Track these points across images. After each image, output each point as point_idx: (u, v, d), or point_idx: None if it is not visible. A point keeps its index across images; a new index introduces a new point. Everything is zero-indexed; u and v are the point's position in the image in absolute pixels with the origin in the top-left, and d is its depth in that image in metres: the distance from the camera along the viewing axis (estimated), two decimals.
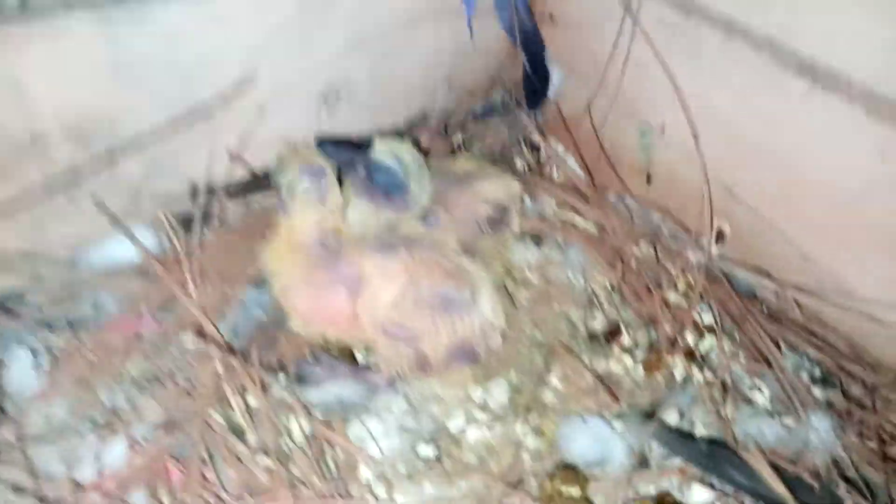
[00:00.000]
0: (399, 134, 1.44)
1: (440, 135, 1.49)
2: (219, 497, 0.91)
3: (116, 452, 0.90)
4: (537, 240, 1.42)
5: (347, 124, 1.36)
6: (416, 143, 1.33)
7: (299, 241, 1.04)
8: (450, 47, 1.43)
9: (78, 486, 0.87)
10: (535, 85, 1.53)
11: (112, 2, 0.98)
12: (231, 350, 1.05)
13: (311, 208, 1.03)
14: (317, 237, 1.03)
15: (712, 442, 1.02)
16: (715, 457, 0.98)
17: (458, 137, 1.52)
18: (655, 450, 1.04)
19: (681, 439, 1.01)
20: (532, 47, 1.48)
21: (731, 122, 1.24)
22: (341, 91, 1.31)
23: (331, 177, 1.05)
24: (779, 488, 0.93)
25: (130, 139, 1.10)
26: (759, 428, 1.07)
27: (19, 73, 0.96)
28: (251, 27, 1.13)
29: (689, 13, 1.23)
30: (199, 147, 1.16)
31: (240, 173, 1.25)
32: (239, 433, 0.99)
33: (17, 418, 0.91)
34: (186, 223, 1.20)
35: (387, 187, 1.09)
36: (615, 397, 1.11)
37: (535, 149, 1.56)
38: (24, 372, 0.97)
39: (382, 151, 1.12)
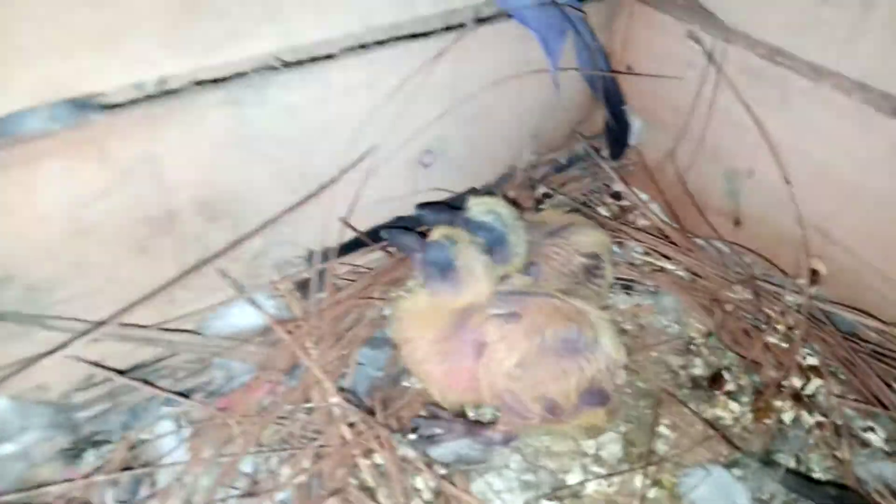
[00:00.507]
0: (489, 192, 1.49)
1: (526, 188, 1.53)
2: None
3: None
4: (628, 287, 1.45)
5: (441, 182, 1.42)
6: (506, 199, 1.38)
7: (439, 311, 1.07)
8: (534, 103, 1.48)
9: None
10: (617, 134, 1.56)
11: (238, 82, 1.05)
12: (357, 409, 1.08)
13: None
14: (469, 308, 1.07)
15: (839, 486, 1.03)
16: (844, 501, 0.98)
17: (542, 189, 1.55)
18: (778, 497, 1.05)
19: (809, 485, 1.01)
20: (612, 98, 1.52)
21: (823, 165, 1.26)
22: (436, 153, 1.36)
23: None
24: None
25: (254, 212, 1.16)
26: (879, 469, 1.08)
27: (157, 151, 1.02)
28: (360, 102, 1.19)
29: (775, 59, 1.27)
30: (313, 215, 1.22)
31: (348, 236, 1.30)
32: (371, 494, 1.02)
33: (170, 491, 0.95)
34: (302, 288, 1.25)
35: (489, 243, 1.13)
36: (734, 445, 1.12)
37: (617, 197, 1.59)
38: (169, 443, 1.02)
39: (479, 209, 1.16)
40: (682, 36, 1.39)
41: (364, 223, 1.33)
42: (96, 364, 1.06)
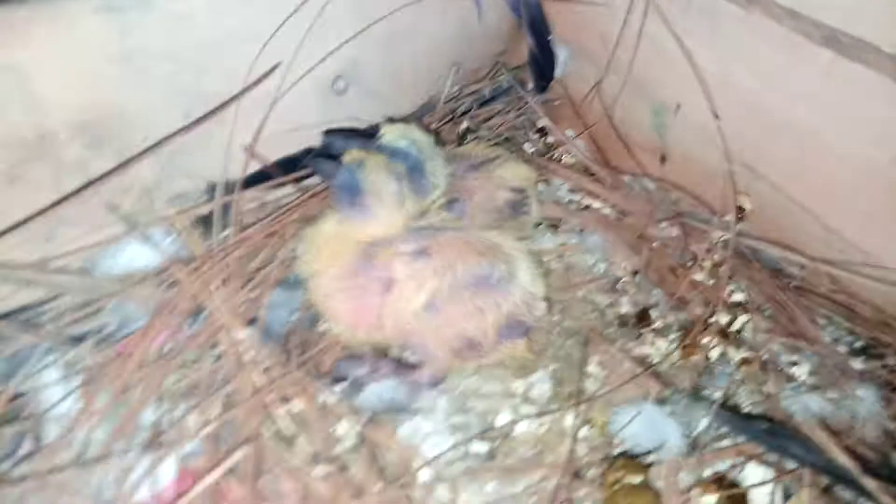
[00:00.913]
0: (405, 120, 1.39)
1: (448, 122, 1.45)
2: None
3: (168, 472, 0.84)
4: (554, 226, 1.40)
5: (357, 112, 1.31)
6: (426, 129, 1.29)
7: (347, 243, 0.98)
8: (456, 31, 1.39)
9: None
10: (542, 66, 1.49)
11: None
12: (268, 356, 0.99)
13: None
14: (379, 240, 0.99)
15: (770, 420, 1.02)
16: (776, 434, 0.97)
17: (465, 124, 1.47)
18: (705, 432, 1.03)
19: (740, 419, 1.00)
20: (537, 26, 1.45)
21: (753, 98, 1.23)
22: (350, 79, 1.25)
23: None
24: (844, 461, 0.93)
25: (142, 138, 1.02)
26: (804, 403, 1.07)
27: (22, 62, 0.87)
28: (262, 14, 1.07)
29: None
30: (214, 143, 1.09)
31: (254, 168, 1.19)
32: (288, 443, 0.94)
33: (59, 444, 0.83)
34: (203, 224, 1.13)
35: (406, 171, 1.04)
36: (664, 382, 1.10)
37: (543, 133, 1.53)
38: (55, 394, 0.90)
39: (393, 135, 1.07)
40: None
41: (273, 154, 1.21)
42: None
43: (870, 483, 0.90)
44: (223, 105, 1.06)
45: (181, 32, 1.00)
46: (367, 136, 1.11)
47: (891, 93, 1.03)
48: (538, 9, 1.44)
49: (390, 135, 1.06)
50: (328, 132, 1.20)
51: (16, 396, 0.92)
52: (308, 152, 1.26)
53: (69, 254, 1.03)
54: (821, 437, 0.97)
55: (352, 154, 1.00)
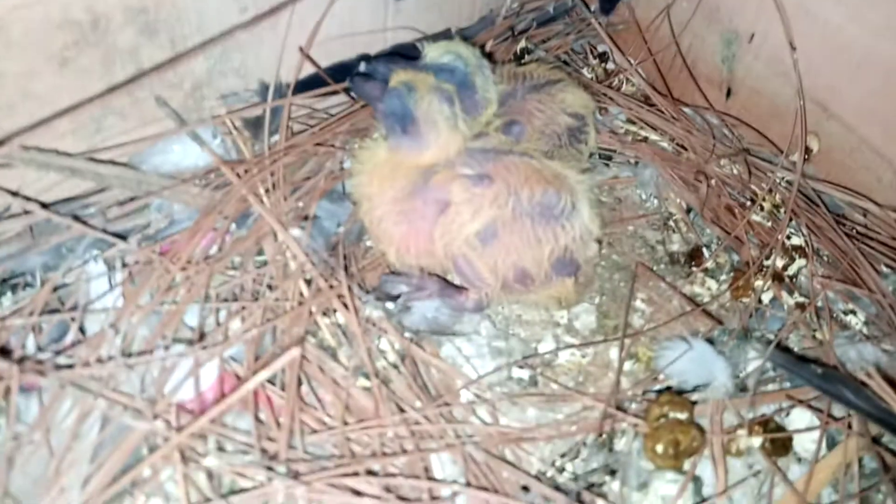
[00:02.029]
0: (461, 34, 1.33)
1: (506, 39, 1.38)
2: (322, 422, 0.85)
3: (211, 374, 0.83)
4: (608, 158, 1.35)
5: (414, 21, 1.25)
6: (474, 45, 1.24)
7: (401, 167, 0.95)
8: None
9: (182, 409, 0.80)
10: None
11: None
12: (313, 266, 0.96)
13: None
14: (435, 165, 0.95)
15: (824, 365, 0.98)
16: (830, 378, 0.94)
17: (522, 44, 1.41)
18: (753, 374, 1.00)
19: (796, 361, 0.96)
20: None
21: (832, 30, 1.15)
22: None
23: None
24: None
25: (196, 30, 0.98)
26: (858, 351, 1.03)
27: None
28: None
29: None
30: (267, 42, 1.05)
31: (307, 72, 1.14)
32: (331, 354, 0.93)
33: (102, 337, 0.83)
34: (253, 126, 1.10)
35: (456, 87, 0.98)
36: (716, 319, 1.07)
37: (604, 58, 1.46)
38: (99, 287, 0.89)
39: (436, 52, 1.01)
40: None
41: (326, 60, 1.16)
42: (12, 193, 0.90)
43: None
44: (281, 3, 1.01)
45: None
46: (410, 58, 1.05)
47: None
48: None
49: (434, 52, 1.00)
50: (369, 59, 1.14)
51: (57, 288, 0.92)
52: (363, 58, 1.21)
53: (117, 146, 1.01)
54: (877, 384, 0.94)
55: (398, 76, 0.94)
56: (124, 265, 0.93)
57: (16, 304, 0.90)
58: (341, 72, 1.17)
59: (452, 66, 0.99)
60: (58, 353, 0.83)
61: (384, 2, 1.19)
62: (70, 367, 0.79)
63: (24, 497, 0.74)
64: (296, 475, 0.74)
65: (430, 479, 0.81)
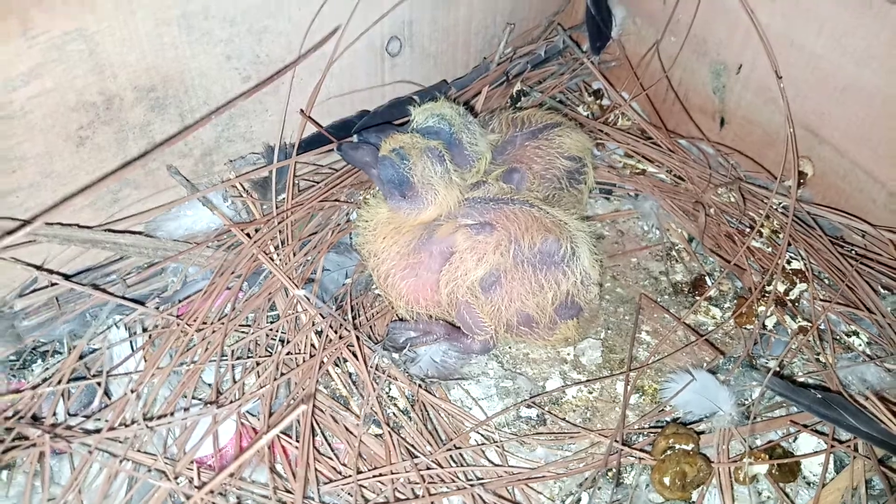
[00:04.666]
0: (432, 96, 1.38)
1: (501, 84, 1.43)
2: (336, 470, 0.88)
3: (229, 430, 0.88)
4: (608, 192, 1.38)
5: (410, 75, 1.31)
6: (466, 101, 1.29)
7: (404, 225, 0.99)
8: None
9: (203, 465, 0.84)
10: (598, 25, 1.46)
11: None
12: (323, 318, 1.01)
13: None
14: (436, 220, 0.99)
15: (825, 389, 1.00)
16: (829, 403, 0.96)
17: (518, 86, 1.45)
18: (758, 402, 1.02)
19: (794, 387, 0.98)
20: None
21: (817, 58, 1.19)
22: (404, 41, 1.25)
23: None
24: None
25: (202, 102, 1.04)
26: (861, 373, 1.05)
27: (89, 26, 0.90)
28: None
29: None
30: (270, 107, 1.11)
31: (309, 132, 1.20)
32: (343, 403, 0.96)
33: (126, 401, 0.87)
34: (260, 188, 1.15)
35: (446, 148, 1.02)
36: (718, 349, 1.09)
37: (598, 95, 1.51)
38: (122, 352, 0.94)
39: (422, 116, 1.06)
40: None
41: (328, 118, 1.22)
42: (37, 267, 0.96)
43: None
44: (282, 70, 1.07)
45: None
46: (399, 125, 1.10)
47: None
48: None
49: (420, 116, 1.06)
50: (360, 130, 1.19)
51: (83, 355, 0.97)
52: (363, 114, 1.26)
53: (133, 216, 1.07)
54: (875, 407, 0.95)
55: (388, 143, 0.98)
56: (144, 329, 0.98)
57: (45, 370, 0.96)
58: (343, 128, 1.23)
59: (437, 128, 1.04)
60: (86, 417, 0.88)
61: (380, 59, 1.25)
62: (97, 431, 0.84)
63: None
64: None
65: None
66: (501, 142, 1.18)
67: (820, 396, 0.98)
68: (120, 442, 0.84)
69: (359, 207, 1.10)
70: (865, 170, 1.20)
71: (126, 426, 0.84)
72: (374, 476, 0.87)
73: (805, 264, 1.19)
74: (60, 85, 0.91)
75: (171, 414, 0.86)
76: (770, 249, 1.25)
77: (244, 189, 1.13)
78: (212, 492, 0.79)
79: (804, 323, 1.14)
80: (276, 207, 1.13)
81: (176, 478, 0.79)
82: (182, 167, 1.09)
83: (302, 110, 1.16)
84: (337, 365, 1.00)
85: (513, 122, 1.21)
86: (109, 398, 0.91)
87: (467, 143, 1.08)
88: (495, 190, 1.05)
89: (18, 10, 0.82)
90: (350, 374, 1.00)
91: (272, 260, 1.05)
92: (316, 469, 0.87)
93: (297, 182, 1.19)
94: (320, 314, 1.01)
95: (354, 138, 1.06)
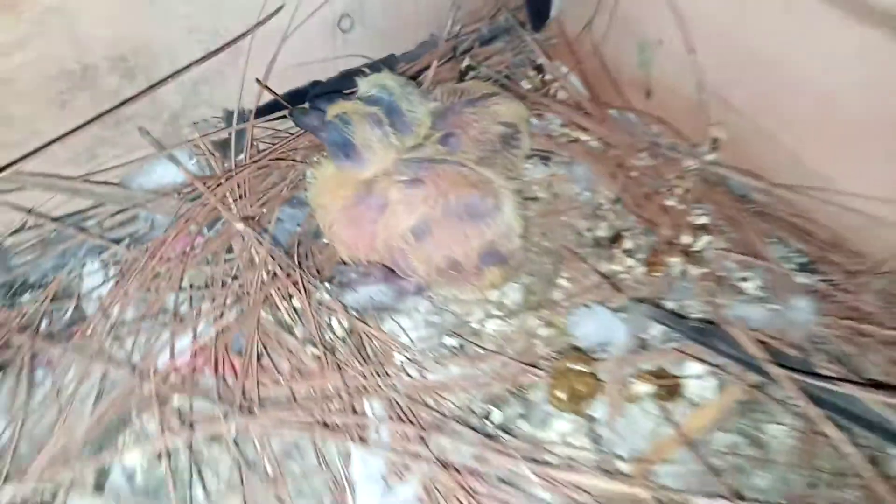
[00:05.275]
0: (379, 68, 1.53)
1: (450, 59, 1.58)
2: (275, 381, 1.04)
3: (184, 345, 1.04)
4: (546, 158, 1.53)
5: (361, 49, 1.46)
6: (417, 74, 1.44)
7: (347, 180, 1.15)
8: None
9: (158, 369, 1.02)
10: (539, 6, 1.60)
11: None
12: (273, 258, 1.17)
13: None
14: (375, 177, 1.15)
15: (702, 321, 1.15)
16: (704, 332, 1.11)
17: (466, 61, 1.60)
18: (654, 336, 1.17)
19: (675, 317, 1.13)
20: None
21: (726, 31, 1.32)
22: (355, 18, 1.40)
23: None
24: (759, 353, 1.06)
25: (169, 71, 1.20)
26: (747, 312, 1.19)
27: (68, 4, 1.05)
28: None
29: None
30: (230, 76, 1.27)
31: (266, 99, 1.35)
32: (288, 330, 1.12)
33: (97, 317, 1.04)
34: (222, 148, 1.31)
35: (384, 114, 1.17)
36: (618, 289, 1.24)
37: (539, 70, 1.65)
38: (96, 280, 1.10)
39: (366, 86, 1.21)
40: None
41: (285, 86, 1.37)
42: (28, 210, 1.13)
43: (776, 370, 1.03)
44: (234, 40, 1.23)
45: None
46: (348, 94, 1.25)
47: (842, 25, 1.12)
48: None
49: (364, 86, 1.21)
50: (313, 97, 1.33)
51: (64, 284, 1.14)
52: (315, 84, 1.42)
53: (109, 170, 1.23)
54: (738, 333, 1.10)
55: (333, 108, 1.14)
56: (116, 263, 1.15)
57: (32, 298, 1.13)
58: (298, 96, 1.38)
59: (378, 96, 1.19)
60: (62, 328, 1.05)
61: (333, 34, 1.40)
62: (70, 337, 1.01)
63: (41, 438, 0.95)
64: (248, 411, 0.94)
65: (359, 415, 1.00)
66: (443, 110, 1.33)
67: (695, 325, 1.13)
68: (90, 351, 1.01)
69: (311, 166, 1.26)
70: (769, 134, 1.34)
71: (97, 335, 1.01)
72: (307, 384, 1.03)
73: (710, 219, 1.34)
74: (43, 55, 1.07)
75: (137, 328, 1.03)
76: (683, 207, 1.39)
77: (207, 149, 1.29)
78: (169, 386, 0.95)
79: (706, 270, 1.29)
80: (235, 165, 1.28)
81: (139, 375, 0.96)
82: (153, 129, 1.25)
83: (258, 79, 1.32)
84: (285, 299, 1.15)
85: (454, 93, 1.35)
86: (84, 317, 1.08)
87: (406, 110, 1.22)
88: (431, 152, 1.21)
89: None
90: (295, 309, 1.16)
91: (230, 208, 1.21)
92: (258, 379, 1.04)
93: (256, 143, 1.34)
94: (270, 255, 1.17)
95: (307, 105, 1.21)
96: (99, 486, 0.96)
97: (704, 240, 1.32)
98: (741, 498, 0.97)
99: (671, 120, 1.50)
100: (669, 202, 1.39)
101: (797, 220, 1.32)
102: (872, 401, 1.01)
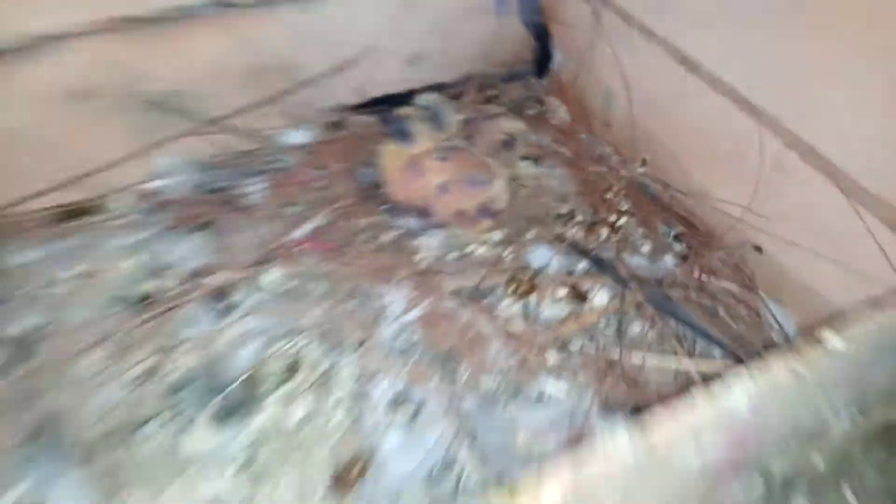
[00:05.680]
0: (432, 90, 2.32)
1: (479, 90, 2.38)
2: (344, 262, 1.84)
3: (303, 231, 1.85)
4: (536, 160, 2.30)
5: (422, 77, 2.26)
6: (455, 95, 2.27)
7: (402, 155, 1.95)
8: (487, 33, 2.31)
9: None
10: (543, 61, 2.40)
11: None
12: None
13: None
14: (423, 153, 1.95)
15: (608, 259, 1.91)
16: (606, 266, 1.86)
17: (491, 92, 2.40)
18: (580, 270, 1.93)
19: (580, 251, 1.89)
20: (542, 38, 2.35)
21: (651, 92, 2.08)
22: (422, 57, 2.22)
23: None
24: (635, 281, 1.81)
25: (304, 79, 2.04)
26: (637, 261, 1.94)
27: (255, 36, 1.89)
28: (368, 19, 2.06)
29: (630, 24, 2.09)
30: (339, 87, 2.10)
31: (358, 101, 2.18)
32: (357, 232, 1.93)
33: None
34: (333, 127, 2.14)
35: (430, 117, 2.00)
36: (562, 241, 2.00)
37: (540, 102, 2.44)
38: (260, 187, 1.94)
39: (422, 100, 2.04)
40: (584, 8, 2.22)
41: (371, 95, 2.20)
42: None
43: (638, 288, 1.78)
44: (342, 66, 2.06)
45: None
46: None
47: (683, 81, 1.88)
48: (544, 28, 2.34)
49: (420, 100, 2.03)
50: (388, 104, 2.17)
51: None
52: (391, 97, 2.24)
53: (265, 130, 2.07)
54: (622, 267, 1.85)
55: (400, 110, 1.97)
56: (266, 184, 1.97)
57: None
58: (381, 102, 2.20)
59: (427, 105, 2.01)
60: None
61: (407, 64, 2.21)
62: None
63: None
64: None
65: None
66: (466, 121, 2.14)
67: (597, 259, 1.89)
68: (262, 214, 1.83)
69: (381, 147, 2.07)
70: (674, 159, 2.09)
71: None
72: (363, 259, 1.83)
73: (629, 207, 2.09)
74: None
75: (277, 216, 1.85)
76: (616, 199, 2.14)
77: (322, 125, 2.13)
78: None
79: (619, 237, 2.04)
80: (336, 137, 2.11)
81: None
82: (291, 109, 2.08)
83: (355, 89, 2.15)
84: (357, 217, 1.95)
85: (476, 110, 2.16)
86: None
87: (444, 116, 2.03)
88: (455, 143, 2.01)
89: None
90: (362, 223, 1.96)
91: (332, 165, 2.03)
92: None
93: (353, 128, 2.17)
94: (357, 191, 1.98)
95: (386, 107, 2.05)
96: None
97: (623, 220, 2.07)
98: None
99: (619, 144, 2.26)
100: (608, 196, 2.15)
101: (683, 212, 2.06)
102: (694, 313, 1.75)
